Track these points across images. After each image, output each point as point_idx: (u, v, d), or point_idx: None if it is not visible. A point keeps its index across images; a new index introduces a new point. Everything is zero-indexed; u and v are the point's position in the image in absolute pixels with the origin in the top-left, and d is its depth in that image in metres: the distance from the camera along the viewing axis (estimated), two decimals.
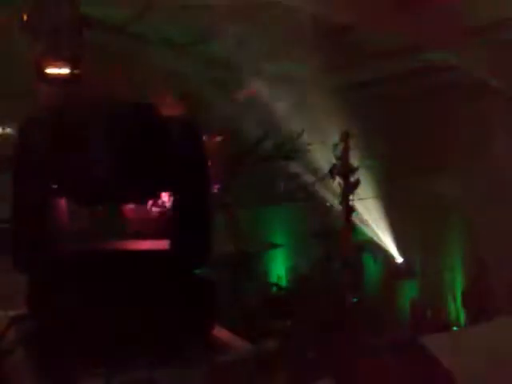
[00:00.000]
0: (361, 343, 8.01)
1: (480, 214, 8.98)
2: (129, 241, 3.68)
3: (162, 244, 3.40)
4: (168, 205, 3.80)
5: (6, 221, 3.21)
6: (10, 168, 3.20)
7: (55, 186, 3.17)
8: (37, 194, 3.07)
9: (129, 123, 3.21)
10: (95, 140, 2.98)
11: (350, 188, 8.76)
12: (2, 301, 3.92)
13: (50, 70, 4.55)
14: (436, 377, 6.58)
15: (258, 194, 7.34)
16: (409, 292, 9.89)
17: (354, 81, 9.94)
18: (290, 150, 5.55)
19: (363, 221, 9.60)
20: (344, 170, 8.74)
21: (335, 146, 8.82)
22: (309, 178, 9.09)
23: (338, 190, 9.00)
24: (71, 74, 4.47)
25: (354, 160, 8.90)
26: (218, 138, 5.84)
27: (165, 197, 3.82)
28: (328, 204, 9.79)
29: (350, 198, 8.85)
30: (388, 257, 10.15)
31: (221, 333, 3.64)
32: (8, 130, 6.55)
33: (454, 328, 9.20)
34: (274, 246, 9.58)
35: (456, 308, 9.48)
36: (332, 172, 8.73)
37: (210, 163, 3.62)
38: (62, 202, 3.40)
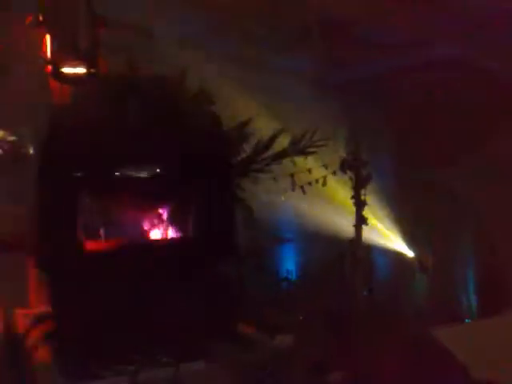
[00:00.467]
0: (373, 337, 8.03)
1: (491, 206, 8.97)
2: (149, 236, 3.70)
3: (187, 237, 3.42)
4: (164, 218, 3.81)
5: None
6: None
7: (82, 182, 3.16)
8: (65, 192, 3.07)
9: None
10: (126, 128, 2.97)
11: (361, 182, 8.75)
12: (22, 299, 3.95)
13: (66, 70, 4.56)
14: (450, 370, 6.60)
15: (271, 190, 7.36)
16: (420, 286, 9.90)
17: (359, 75, 9.92)
18: (305, 145, 5.55)
19: (375, 215, 9.59)
20: (355, 164, 8.73)
21: (346, 140, 8.80)
22: (320, 173, 9.08)
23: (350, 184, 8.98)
24: (88, 73, 4.48)
25: (365, 154, 8.89)
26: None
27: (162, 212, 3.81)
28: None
29: (362, 192, 8.84)
30: (399, 251, 10.15)
31: (245, 328, 3.66)
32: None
33: (467, 320, 9.21)
34: (285, 240, 9.60)
35: (468, 301, 9.48)
36: (343, 166, 8.71)
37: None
38: (88, 198, 3.39)
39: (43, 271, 3.28)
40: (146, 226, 3.78)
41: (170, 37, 8.23)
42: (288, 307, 8.38)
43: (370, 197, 9.02)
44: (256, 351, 3.49)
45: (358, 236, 9.00)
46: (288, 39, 8.42)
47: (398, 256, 10.20)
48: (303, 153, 6.12)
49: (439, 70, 8.96)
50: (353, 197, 8.90)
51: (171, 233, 3.74)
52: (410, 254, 10.23)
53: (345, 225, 9.20)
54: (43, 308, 3.47)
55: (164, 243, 3.64)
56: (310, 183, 7.88)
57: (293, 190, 7.27)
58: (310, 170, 7.92)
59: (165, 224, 3.78)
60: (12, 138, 5.94)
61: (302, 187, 7.40)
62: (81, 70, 4.49)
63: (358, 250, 8.96)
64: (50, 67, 4.54)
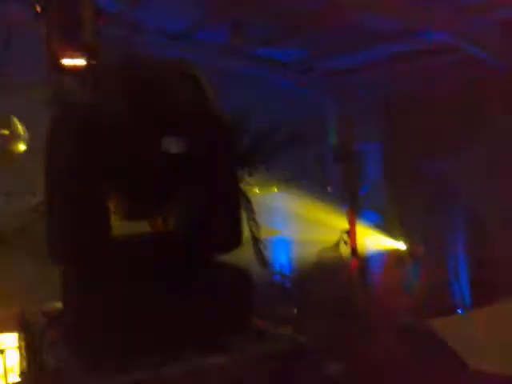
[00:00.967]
0: (368, 328, 8.06)
1: (481, 197, 9.04)
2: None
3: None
4: None
5: None
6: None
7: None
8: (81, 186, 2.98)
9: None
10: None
11: (353, 172, 8.75)
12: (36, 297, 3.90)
13: (66, 61, 4.44)
14: (444, 359, 6.66)
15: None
16: (414, 276, 9.95)
17: (351, 64, 9.88)
18: (305, 137, 5.48)
19: (367, 205, 9.61)
20: (347, 154, 8.72)
21: (337, 131, 8.79)
22: (311, 163, 9.06)
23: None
24: (88, 64, 4.36)
25: (357, 144, 8.89)
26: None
27: None
28: (329, 189, 9.79)
29: (354, 182, 8.85)
30: (393, 242, 10.19)
31: (259, 321, 3.62)
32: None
33: (460, 311, 9.29)
34: (278, 232, 9.57)
35: (461, 291, 9.56)
36: (335, 156, 8.70)
37: None
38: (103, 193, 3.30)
39: (67, 265, 3.19)
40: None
41: (160, 28, 8.13)
42: (283, 300, 8.38)
43: (362, 187, 9.05)
44: (270, 342, 3.45)
45: (351, 226, 9.01)
46: (278, 29, 8.35)
47: (391, 246, 10.24)
48: (299, 144, 6.06)
49: (430, 57, 8.97)
50: (345, 187, 8.91)
51: (178, 225, 3.66)
52: (403, 244, 10.27)
53: (338, 216, 9.22)
54: (58, 307, 3.40)
55: (172, 237, 3.58)
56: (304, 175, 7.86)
57: (290, 181, 7.23)
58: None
59: (175, 213, 3.70)
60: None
61: (297, 180, 7.38)
62: (81, 62, 4.38)
63: (351, 241, 8.97)
64: (49, 59, 4.43)
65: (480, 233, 9.19)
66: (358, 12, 7.90)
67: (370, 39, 8.73)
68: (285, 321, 7.29)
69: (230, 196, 3.53)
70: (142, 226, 3.69)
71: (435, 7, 7.83)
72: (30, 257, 4.87)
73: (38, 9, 4.59)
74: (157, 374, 2.85)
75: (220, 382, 3.03)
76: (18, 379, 4.57)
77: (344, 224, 9.10)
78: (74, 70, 4.34)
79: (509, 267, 8.60)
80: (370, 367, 6.90)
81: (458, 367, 6.35)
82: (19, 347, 4.23)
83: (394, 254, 10.25)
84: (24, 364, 3.98)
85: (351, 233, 8.97)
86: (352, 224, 9.04)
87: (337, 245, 9.04)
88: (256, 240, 5.35)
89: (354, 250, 8.98)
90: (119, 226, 3.40)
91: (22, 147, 6.40)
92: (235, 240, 3.56)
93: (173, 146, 3.13)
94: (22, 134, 6.37)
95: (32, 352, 3.58)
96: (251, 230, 5.06)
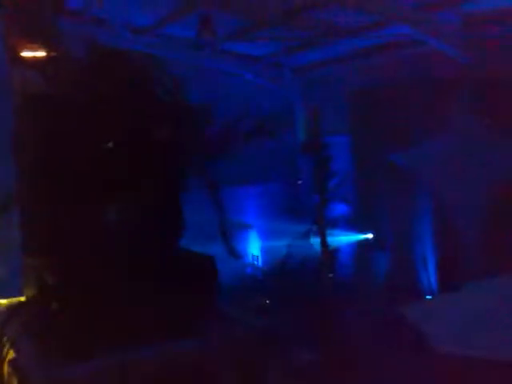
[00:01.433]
0: (339, 316, 8.19)
1: (446, 186, 9.22)
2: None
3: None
4: None
5: None
6: None
7: None
8: None
9: None
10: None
11: (321, 164, 8.82)
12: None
13: (26, 54, 4.39)
14: (414, 343, 6.82)
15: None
16: (382, 265, 10.09)
17: (318, 58, 9.98)
18: (271, 127, 5.53)
19: (336, 196, 9.70)
20: (315, 146, 8.80)
21: (305, 123, 8.87)
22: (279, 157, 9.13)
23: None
24: (48, 56, 4.32)
25: (325, 137, 8.97)
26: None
27: None
28: (299, 182, 9.88)
29: (322, 174, 8.93)
30: (360, 231, 10.31)
31: (228, 309, 3.69)
32: None
33: (428, 296, 9.48)
34: (249, 226, 9.62)
35: (429, 277, 9.73)
36: (304, 148, 8.77)
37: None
38: None
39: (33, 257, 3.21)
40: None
41: (128, 23, 8.11)
42: (255, 291, 8.44)
43: (330, 179, 9.13)
44: (238, 328, 3.52)
45: (320, 217, 9.09)
46: (248, 24, 8.39)
47: (360, 236, 10.37)
48: (267, 135, 6.11)
49: (395, 50, 9.11)
50: (314, 179, 8.98)
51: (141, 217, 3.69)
52: (371, 234, 10.39)
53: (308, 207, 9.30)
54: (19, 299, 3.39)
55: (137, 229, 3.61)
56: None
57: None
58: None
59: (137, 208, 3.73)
60: None
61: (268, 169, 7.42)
62: (41, 54, 4.34)
63: (320, 231, 9.05)
64: (9, 52, 4.38)
65: (445, 221, 9.37)
66: (324, 8, 7.98)
67: (337, 34, 8.84)
68: (258, 310, 7.38)
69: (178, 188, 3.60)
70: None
71: (399, 2, 7.97)
72: None
73: None
74: (121, 361, 2.88)
75: (185, 366, 3.09)
76: None
77: (313, 215, 9.19)
78: (35, 62, 4.30)
79: (472, 254, 8.82)
80: (341, 354, 7.02)
81: (426, 350, 6.53)
82: None
83: (363, 244, 10.39)
84: None
85: (320, 223, 9.07)
86: (321, 215, 9.13)
87: (306, 235, 9.12)
88: (225, 232, 5.41)
89: (323, 241, 9.07)
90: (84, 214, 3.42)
91: None
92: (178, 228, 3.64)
93: (132, 136, 3.18)
94: None
95: None
96: (220, 222, 5.12)
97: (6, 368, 3.11)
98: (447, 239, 9.43)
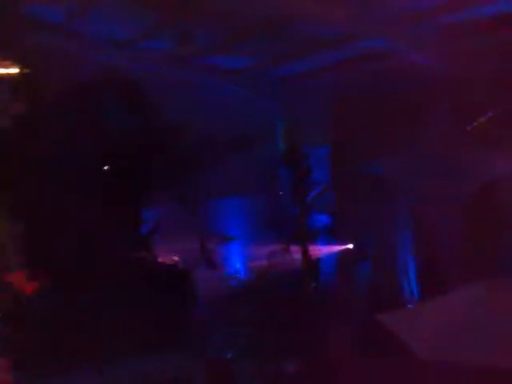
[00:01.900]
0: (324, 325, 8.22)
1: (425, 196, 9.34)
2: None
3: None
4: None
5: None
6: None
7: None
8: None
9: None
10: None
11: (301, 175, 8.90)
12: None
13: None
14: (395, 351, 6.87)
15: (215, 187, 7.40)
16: (363, 274, 10.15)
17: (298, 70, 10.09)
18: (248, 141, 5.63)
19: (316, 207, 9.78)
20: (295, 157, 8.88)
21: (286, 134, 8.95)
22: (259, 168, 9.20)
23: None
24: (20, 73, 4.34)
25: (305, 148, 9.07)
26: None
27: None
28: (280, 193, 9.94)
29: (302, 185, 9.01)
30: (341, 242, 10.37)
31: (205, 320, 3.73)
32: None
33: (409, 305, 9.55)
34: (231, 238, 9.64)
35: (409, 286, 9.81)
36: (284, 160, 8.85)
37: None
38: None
39: None
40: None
41: (104, 37, 8.13)
42: (237, 303, 8.44)
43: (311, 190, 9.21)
44: (215, 339, 3.56)
45: (301, 227, 9.16)
46: (225, 38, 8.48)
47: (340, 247, 10.42)
48: (243, 149, 6.20)
49: (373, 62, 9.24)
50: (293, 190, 9.05)
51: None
52: (351, 243, 10.44)
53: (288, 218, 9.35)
54: None
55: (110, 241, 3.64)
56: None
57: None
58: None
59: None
60: None
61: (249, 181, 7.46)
62: (13, 71, 4.36)
63: (303, 242, 9.11)
64: None
65: (425, 231, 9.48)
66: (303, 20, 8.09)
67: (316, 46, 8.96)
68: (241, 322, 7.41)
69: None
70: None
71: (374, 15, 8.10)
72: None
73: None
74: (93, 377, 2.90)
75: (160, 381, 3.10)
76: None
77: (295, 226, 9.25)
78: (7, 79, 4.33)
79: (452, 263, 8.92)
80: (325, 364, 7.05)
81: (409, 358, 6.59)
82: None
83: (344, 255, 10.45)
84: None
85: (301, 234, 9.13)
86: (302, 226, 9.20)
87: (288, 246, 9.17)
88: (203, 245, 5.46)
89: (304, 252, 9.12)
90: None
91: None
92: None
93: (105, 156, 3.23)
94: None
95: None
96: (198, 235, 5.17)
97: None
98: (427, 248, 9.53)
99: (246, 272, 9.87)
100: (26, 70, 4.26)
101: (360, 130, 9.57)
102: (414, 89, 9.01)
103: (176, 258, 5.86)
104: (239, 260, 10.04)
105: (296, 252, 9.37)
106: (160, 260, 4.09)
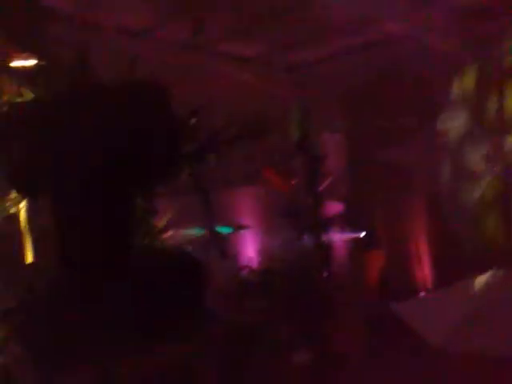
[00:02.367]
0: (336, 316, 8.23)
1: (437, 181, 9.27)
2: None
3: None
4: None
5: None
6: None
7: None
8: None
9: None
10: None
11: (315, 163, 8.87)
12: None
13: (16, 63, 4.42)
14: (408, 340, 6.86)
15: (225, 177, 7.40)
16: (376, 263, 10.13)
17: (309, 57, 10.01)
18: (256, 129, 5.59)
19: (330, 195, 9.75)
20: (308, 145, 8.85)
21: (298, 123, 8.90)
22: (272, 158, 9.18)
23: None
24: (38, 65, 4.35)
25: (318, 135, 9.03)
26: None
27: None
28: (293, 181, 9.92)
29: (316, 173, 8.98)
30: (354, 230, 10.34)
31: (212, 307, 3.75)
32: None
33: (422, 293, 9.53)
34: (244, 227, 9.64)
35: (422, 273, 9.78)
36: (297, 149, 8.82)
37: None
38: None
39: None
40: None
41: (121, 27, 8.12)
42: (250, 294, 8.47)
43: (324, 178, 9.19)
44: (227, 329, 3.59)
45: (314, 216, 9.14)
46: (238, 25, 8.43)
47: (354, 234, 10.40)
48: (256, 137, 6.15)
49: (387, 47, 9.13)
50: (307, 178, 9.03)
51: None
52: (364, 231, 10.41)
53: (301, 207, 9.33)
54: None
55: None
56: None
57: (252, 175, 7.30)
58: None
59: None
60: None
61: (259, 172, 7.47)
62: (31, 63, 4.36)
63: (316, 230, 9.10)
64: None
65: (439, 215, 9.41)
66: (317, 5, 8.00)
67: (329, 32, 8.86)
68: (254, 312, 7.43)
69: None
70: None
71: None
72: None
73: None
74: (107, 367, 2.93)
75: (173, 368, 3.14)
76: None
77: (307, 214, 9.23)
78: (24, 72, 4.34)
79: (468, 247, 8.86)
80: (337, 354, 7.07)
81: (422, 349, 6.57)
82: None
83: (358, 242, 10.42)
84: None
85: (314, 223, 9.12)
86: (315, 214, 9.18)
87: (301, 235, 9.17)
88: (214, 233, 5.46)
89: (317, 240, 9.11)
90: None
91: None
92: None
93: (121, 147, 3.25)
94: None
95: None
96: (209, 224, 5.18)
97: None
98: (442, 235, 9.47)
99: (258, 261, 9.88)
100: (44, 62, 4.26)
101: (374, 116, 9.50)
102: (430, 74, 8.91)
103: (189, 247, 5.86)
104: (252, 249, 10.06)
105: (309, 240, 9.37)
106: (173, 249, 4.12)
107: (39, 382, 2.92)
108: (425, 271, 9.73)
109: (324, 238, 9.27)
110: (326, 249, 9.35)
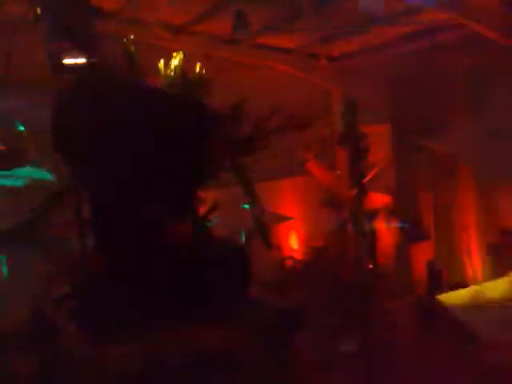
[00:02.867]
0: (380, 307, 8.18)
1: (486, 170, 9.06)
2: None
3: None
4: None
5: None
6: None
7: None
8: None
9: None
10: None
11: (359, 155, 8.84)
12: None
13: (67, 61, 4.58)
14: (455, 332, 6.77)
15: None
16: (424, 254, 9.99)
17: (357, 47, 9.93)
18: (300, 121, 5.63)
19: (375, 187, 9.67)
20: (352, 137, 8.81)
21: (342, 114, 8.87)
22: (316, 148, 9.18)
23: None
24: (88, 62, 4.50)
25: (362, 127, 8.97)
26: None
27: None
28: (337, 172, 9.90)
29: (360, 164, 8.94)
30: (400, 221, 10.23)
31: (256, 293, 3.84)
32: None
33: (471, 286, 9.35)
34: (287, 218, 9.69)
35: (472, 266, 9.60)
36: (342, 140, 8.79)
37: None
38: None
39: None
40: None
41: (164, 22, 8.27)
42: (292, 282, 8.54)
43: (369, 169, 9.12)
44: (274, 316, 3.67)
45: (358, 208, 9.11)
46: (279, 17, 8.44)
47: (400, 225, 10.28)
48: (300, 128, 6.18)
49: (432, 35, 8.95)
50: (350, 169, 9.00)
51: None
52: (411, 222, 10.27)
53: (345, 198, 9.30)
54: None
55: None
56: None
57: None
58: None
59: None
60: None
61: (301, 163, 7.51)
62: (81, 60, 4.52)
63: (360, 223, 9.07)
64: (50, 59, 4.58)
65: (490, 205, 9.20)
66: None
67: (372, 21, 8.76)
68: (298, 303, 7.47)
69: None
70: None
71: None
72: None
73: (38, 10, 4.74)
74: (156, 343, 3.06)
75: (216, 351, 3.24)
76: None
77: (352, 205, 9.21)
78: (75, 69, 4.49)
79: None
80: (381, 344, 7.03)
81: (469, 341, 6.47)
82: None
83: (404, 233, 10.29)
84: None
85: (359, 213, 9.09)
86: (359, 206, 9.14)
87: (345, 226, 9.16)
88: (259, 223, 5.54)
89: (361, 231, 9.08)
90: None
91: None
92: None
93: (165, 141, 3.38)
94: None
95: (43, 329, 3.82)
96: (254, 214, 5.25)
97: None
98: (489, 226, 9.27)
99: (302, 252, 9.93)
100: (92, 59, 4.41)
101: (420, 107, 9.35)
102: (474, 63, 8.69)
103: (233, 237, 5.97)
104: (296, 240, 10.11)
105: (353, 231, 9.34)
106: (220, 238, 4.22)
107: (94, 356, 3.10)
108: (475, 263, 9.54)
109: (369, 228, 9.22)
110: (371, 239, 9.30)
